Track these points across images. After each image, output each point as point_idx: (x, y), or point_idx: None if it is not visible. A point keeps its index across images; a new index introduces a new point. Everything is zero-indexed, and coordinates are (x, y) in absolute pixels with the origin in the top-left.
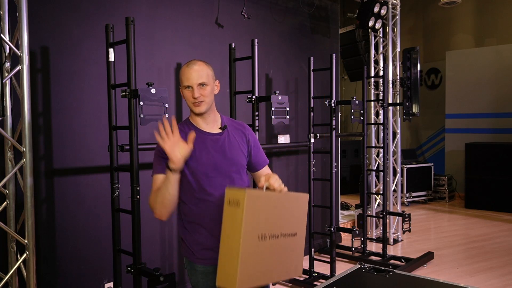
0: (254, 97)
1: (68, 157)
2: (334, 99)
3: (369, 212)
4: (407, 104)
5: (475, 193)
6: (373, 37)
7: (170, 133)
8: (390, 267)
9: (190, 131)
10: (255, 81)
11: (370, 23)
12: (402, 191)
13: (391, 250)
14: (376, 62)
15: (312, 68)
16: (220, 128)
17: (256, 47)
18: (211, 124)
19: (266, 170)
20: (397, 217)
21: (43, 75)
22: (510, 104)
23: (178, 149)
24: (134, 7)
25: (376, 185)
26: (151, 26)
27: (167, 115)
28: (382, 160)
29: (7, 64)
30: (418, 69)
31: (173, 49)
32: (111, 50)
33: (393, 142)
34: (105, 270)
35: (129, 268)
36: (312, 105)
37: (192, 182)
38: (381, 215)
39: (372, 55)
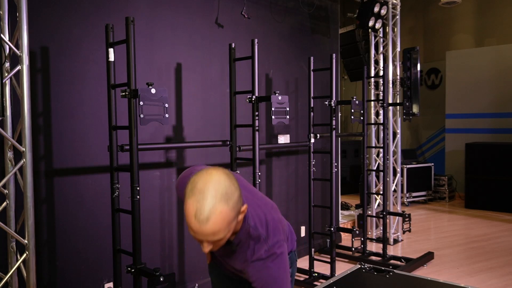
0: (254, 97)
1: (68, 157)
2: (334, 99)
3: (369, 212)
4: (407, 104)
5: (475, 193)
6: (373, 37)
7: None
8: (390, 267)
9: None
10: (255, 81)
11: (370, 23)
12: (402, 191)
13: (391, 250)
14: (376, 62)
15: (312, 68)
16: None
17: (256, 47)
18: None
19: None
20: (397, 217)
21: (43, 75)
22: (510, 104)
23: None
24: (134, 7)
25: (376, 185)
26: (151, 26)
27: (167, 115)
28: (382, 160)
29: (7, 64)
30: (418, 69)
31: (173, 49)
32: (111, 50)
33: (393, 142)
34: (105, 270)
35: (129, 268)
36: (312, 105)
37: None
38: (381, 215)
39: (372, 55)
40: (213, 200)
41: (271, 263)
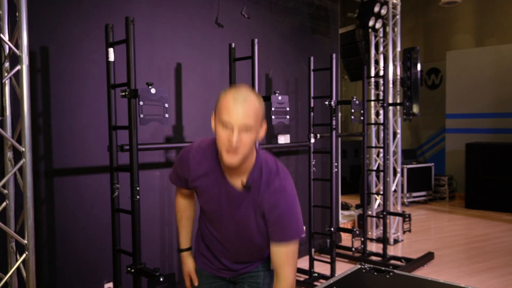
0: None
1: (68, 157)
2: (334, 99)
3: (369, 212)
4: (407, 104)
5: (476, 193)
6: (373, 37)
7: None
8: (390, 267)
9: (209, 159)
10: (255, 81)
11: (370, 23)
12: (402, 191)
13: (391, 250)
14: (376, 62)
15: (312, 68)
16: (242, 185)
17: (256, 47)
18: (235, 175)
19: (278, 251)
20: (397, 217)
21: (43, 75)
22: (510, 104)
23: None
24: (134, 7)
25: (376, 185)
26: (151, 26)
27: (167, 115)
28: (382, 160)
29: (7, 64)
30: (419, 69)
31: (173, 49)
32: (111, 50)
33: (393, 142)
34: (105, 270)
35: (129, 268)
36: (312, 105)
37: (204, 213)
38: (381, 215)
39: (372, 55)
40: (248, 91)
41: (284, 193)
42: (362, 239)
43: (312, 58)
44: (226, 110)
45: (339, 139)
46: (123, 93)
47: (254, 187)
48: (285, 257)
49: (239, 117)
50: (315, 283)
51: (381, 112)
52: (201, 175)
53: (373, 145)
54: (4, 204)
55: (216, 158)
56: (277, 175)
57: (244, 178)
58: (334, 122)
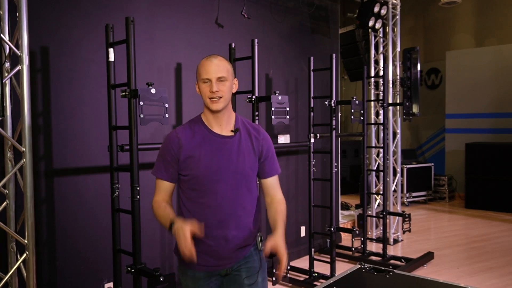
0: (254, 97)
1: (68, 157)
2: (334, 99)
3: (369, 212)
4: (407, 104)
5: (475, 193)
6: (373, 37)
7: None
8: (390, 267)
9: (199, 130)
10: (255, 81)
11: (370, 23)
12: (402, 191)
13: (391, 250)
14: (376, 62)
15: (312, 68)
16: (231, 131)
17: (256, 47)
18: (224, 125)
19: (273, 181)
20: (397, 217)
21: (43, 75)
22: (510, 104)
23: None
24: (134, 7)
25: (376, 185)
26: (151, 26)
27: (167, 115)
28: (382, 160)
29: (7, 64)
30: (418, 69)
31: (173, 49)
32: (111, 50)
33: (393, 142)
34: (105, 270)
35: (129, 268)
36: (312, 105)
37: (194, 185)
38: (381, 215)
39: (372, 55)
40: (217, 55)
41: (269, 137)
42: (362, 239)
43: (312, 58)
44: (204, 69)
45: (339, 139)
46: (123, 93)
47: (244, 132)
48: (277, 185)
49: (214, 71)
50: (315, 283)
51: (381, 112)
52: (196, 145)
53: (373, 145)
54: (4, 204)
55: (204, 127)
56: (257, 125)
57: (231, 127)
58: (334, 122)
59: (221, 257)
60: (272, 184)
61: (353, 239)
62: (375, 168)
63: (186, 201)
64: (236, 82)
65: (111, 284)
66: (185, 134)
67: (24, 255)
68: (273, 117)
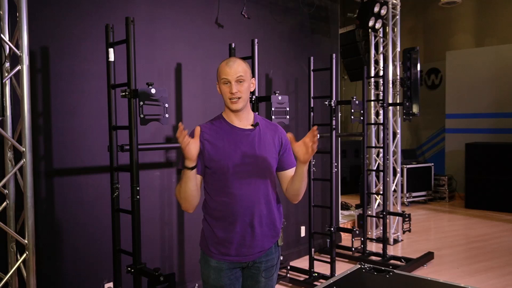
0: (254, 97)
1: (68, 157)
2: (334, 99)
3: (369, 212)
4: (407, 104)
5: (475, 193)
6: (373, 37)
7: (183, 133)
8: (390, 267)
9: (221, 125)
10: (255, 81)
11: (370, 23)
12: (402, 191)
13: (391, 250)
14: (376, 62)
15: (312, 68)
16: (251, 125)
17: (256, 47)
18: (244, 121)
19: (292, 173)
20: (397, 217)
21: (43, 75)
22: (510, 104)
23: (193, 146)
24: (134, 7)
25: (376, 185)
26: (151, 26)
27: (167, 115)
28: (382, 160)
29: (7, 64)
30: (418, 69)
31: (173, 49)
32: (111, 50)
33: (393, 142)
34: (105, 270)
35: (129, 268)
36: (312, 105)
37: (219, 176)
38: (381, 215)
39: (372, 55)
40: (236, 57)
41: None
42: (362, 239)
43: (312, 58)
44: (224, 72)
45: (339, 139)
46: (123, 93)
47: (263, 126)
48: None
49: (233, 73)
50: (315, 283)
51: (381, 112)
52: (219, 138)
53: (373, 145)
54: (4, 204)
55: (226, 122)
56: (274, 122)
57: (251, 123)
58: (334, 122)
59: (247, 245)
60: (292, 175)
61: (353, 239)
62: (375, 168)
63: (212, 192)
64: (253, 82)
65: (111, 284)
66: (208, 128)
67: (24, 255)
68: (273, 117)
